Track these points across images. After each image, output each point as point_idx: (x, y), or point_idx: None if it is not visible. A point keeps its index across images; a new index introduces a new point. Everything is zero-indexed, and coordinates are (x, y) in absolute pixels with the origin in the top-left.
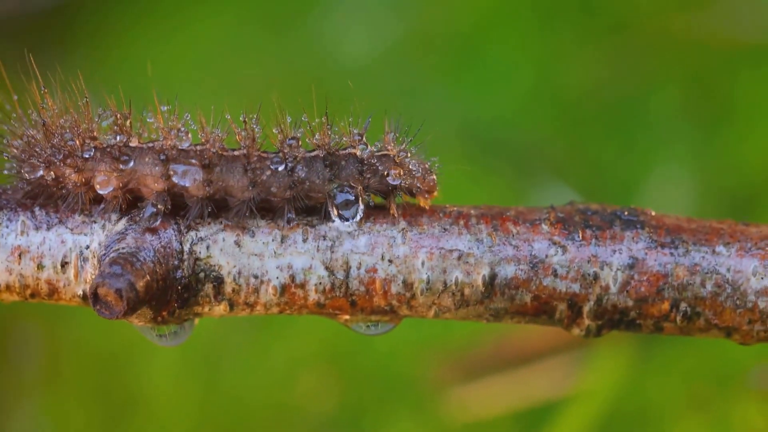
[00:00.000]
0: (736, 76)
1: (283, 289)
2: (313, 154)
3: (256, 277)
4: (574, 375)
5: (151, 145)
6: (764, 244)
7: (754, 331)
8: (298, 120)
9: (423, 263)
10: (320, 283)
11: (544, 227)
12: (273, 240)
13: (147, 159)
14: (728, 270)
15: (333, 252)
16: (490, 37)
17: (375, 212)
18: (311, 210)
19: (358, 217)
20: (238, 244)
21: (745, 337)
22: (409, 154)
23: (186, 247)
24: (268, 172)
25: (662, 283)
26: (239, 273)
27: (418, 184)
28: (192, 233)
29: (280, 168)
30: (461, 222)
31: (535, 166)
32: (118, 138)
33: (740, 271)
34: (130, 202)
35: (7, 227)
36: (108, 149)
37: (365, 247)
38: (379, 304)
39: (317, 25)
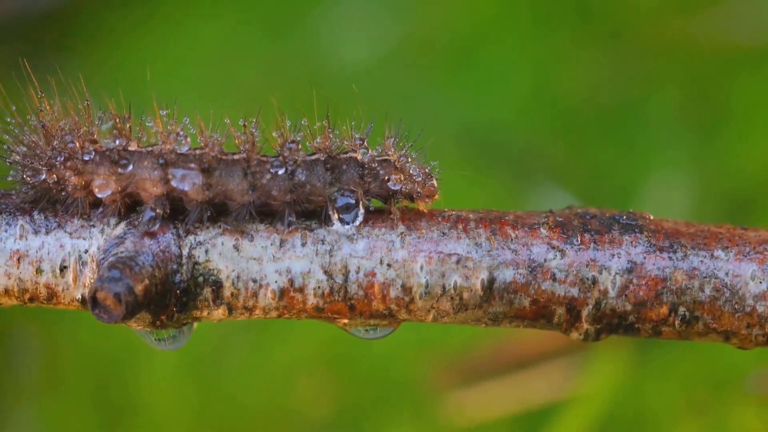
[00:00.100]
0: (734, 79)
1: (282, 293)
2: (314, 157)
3: (254, 281)
4: (573, 379)
5: (150, 149)
6: (762, 249)
7: (752, 336)
8: (298, 123)
9: (422, 267)
10: (319, 288)
11: (543, 231)
12: (272, 244)
13: (146, 163)
14: (727, 274)
15: (332, 256)
16: (488, 41)
17: (374, 216)
18: (310, 214)
19: (358, 221)
20: (236, 248)
21: (743, 342)
22: (409, 159)
23: (185, 251)
24: (269, 176)
25: (661, 287)
26: (238, 277)
27: (419, 189)
28: (191, 237)
29: (281, 171)
30: (460, 226)
31: (534, 170)
32: (117, 142)
33: (739, 276)
34: (129, 207)
35: (6, 231)
36: (107, 153)
37: (364, 252)
38: (378, 309)
39: (315, 29)
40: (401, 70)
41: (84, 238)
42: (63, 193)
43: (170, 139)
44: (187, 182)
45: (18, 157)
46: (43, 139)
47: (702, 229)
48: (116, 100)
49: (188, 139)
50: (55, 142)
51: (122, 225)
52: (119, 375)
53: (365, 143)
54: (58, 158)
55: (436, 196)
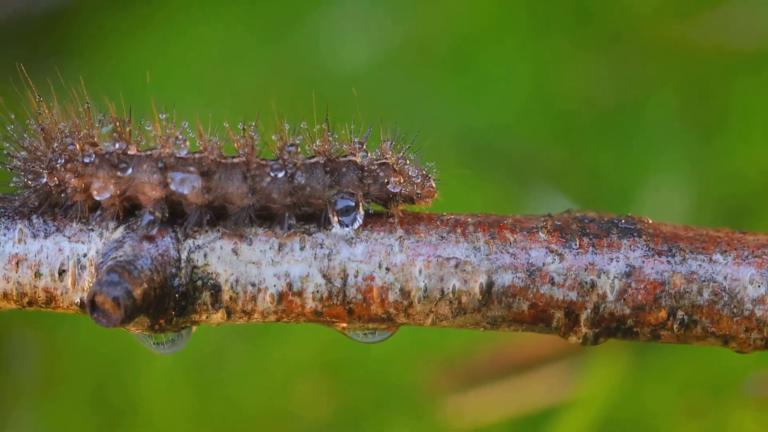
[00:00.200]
0: (732, 83)
1: (281, 297)
2: (313, 160)
3: (253, 285)
4: (571, 383)
5: (149, 152)
6: (761, 252)
7: (751, 339)
8: (297, 127)
9: (420, 271)
10: (317, 291)
11: (542, 235)
12: (270, 248)
13: (145, 167)
14: (725, 278)
15: (330, 260)
16: (487, 44)
17: (372, 220)
18: (309, 218)
19: (357, 224)
20: (235, 252)
21: (742, 345)
22: (407, 161)
23: (183, 255)
24: (268, 179)
25: (659, 291)
26: (237, 281)
27: (418, 191)
28: (189, 241)
29: (280, 174)
30: (458, 230)
31: (532, 174)
32: (117, 145)
33: (737, 280)
34: (128, 210)
35: (5, 235)
36: (107, 156)
37: (362, 255)
38: (377, 312)
39: (314, 32)
40: (400, 73)
41: (83, 242)
42: (63, 195)
43: (169, 142)
44: (187, 186)
45: (19, 163)
46: (43, 142)
47: (700, 233)
48: (116, 103)
49: (187, 143)
50: (55, 145)
51: (121, 229)
52: (118, 378)
53: (364, 146)
54: (59, 160)
55: (436, 195)
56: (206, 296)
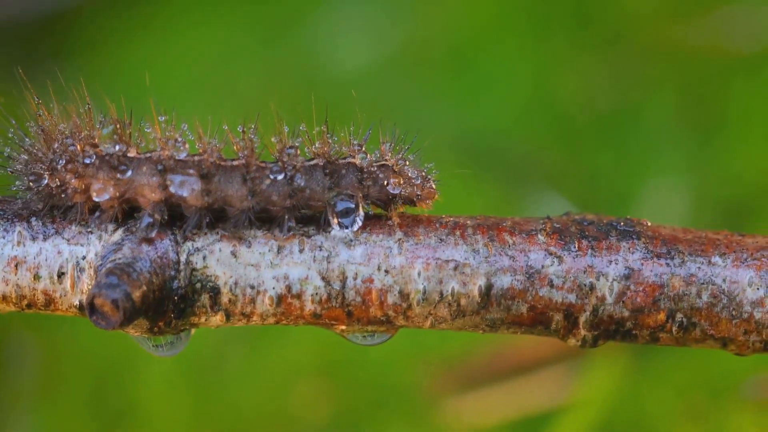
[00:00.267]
0: (731, 85)
1: (280, 299)
2: (312, 162)
3: (252, 287)
4: (570, 385)
5: (148, 155)
6: (760, 255)
7: (749, 342)
8: (296, 129)
9: (419, 274)
10: (316, 294)
11: (540, 238)
12: (269, 250)
13: (144, 169)
14: (724, 281)
15: (329, 262)
16: (486, 46)
17: (371, 223)
18: (308, 220)
19: (357, 225)
20: (234, 254)
21: (740, 348)
22: (407, 163)
23: (182, 258)
24: (268, 181)
25: (658, 293)
26: (236, 283)
27: (418, 192)
28: (188, 244)
29: (280, 177)
30: (457, 232)
31: (531, 176)
32: (117, 147)
33: (736, 282)
34: (127, 213)
35: (4, 238)
36: (107, 157)
37: (361, 258)
38: (376, 315)
39: (314, 34)
40: (399, 75)
41: (82, 245)
42: (63, 196)
43: (169, 145)
44: (186, 188)
45: (20, 166)
46: (44, 143)
47: (699, 235)
48: (116, 104)
49: (186, 146)
50: (56, 145)
51: (120, 231)
52: (117, 380)
53: (363, 148)
54: (60, 161)
55: (436, 197)
56: (205, 299)
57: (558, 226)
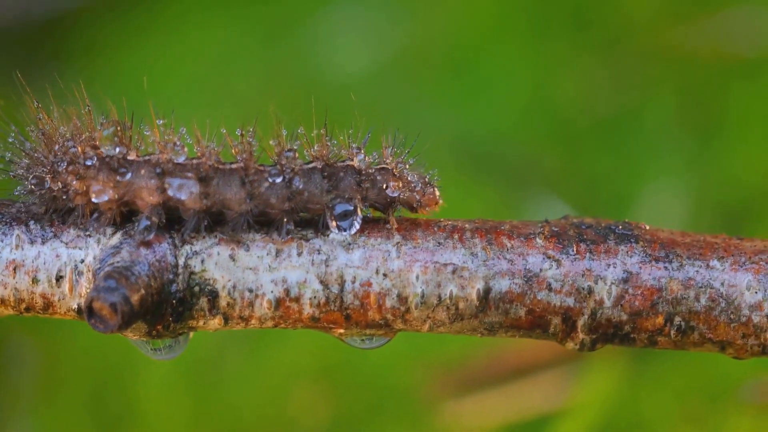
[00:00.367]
0: (730, 89)
1: (278, 303)
2: (311, 165)
3: (250, 290)
4: (568, 388)
5: (147, 158)
6: (758, 259)
7: (748, 346)
8: (295, 132)
9: (417, 277)
10: (315, 297)
11: (539, 241)
12: (268, 254)
13: (143, 172)
14: (722, 284)
15: (328, 266)
16: (485, 50)
17: (369, 226)
18: (306, 224)
19: (355, 228)
20: (232, 257)
21: (739, 352)
22: (407, 166)
23: (181, 261)
24: (266, 184)
25: (656, 297)
26: (234, 287)
27: (418, 197)
28: (187, 247)
29: (278, 180)
30: (456, 236)
31: (530, 180)
32: (117, 149)
33: (734, 286)
34: (125, 216)
35: (2, 241)
36: (107, 160)
37: (360, 261)
38: (374, 318)
39: (313, 38)
40: (398, 78)
41: (80, 248)
42: (65, 198)
43: (167, 148)
44: (184, 191)
45: (21, 170)
46: (45, 146)
47: (698, 239)
48: (117, 106)
49: (185, 149)
50: (57, 148)
51: (118, 235)
52: (116, 383)
53: (362, 151)
54: (61, 164)
55: (440, 202)
56: (203, 302)
57: (556, 229)
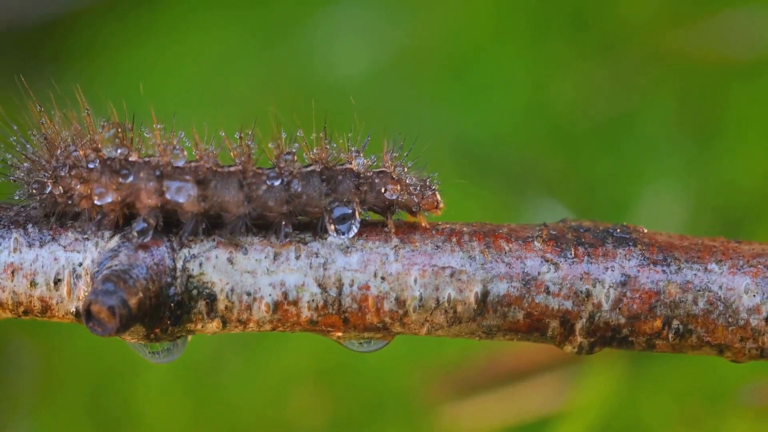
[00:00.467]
0: (728, 92)
1: (276, 306)
2: (309, 168)
3: (248, 294)
4: (566, 391)
5: (147, 160)
6: (756, 262)
7: (746, 349)
8: (294, 135)
9: (415, 280)
10: (313, 301)
11: (537, 244)
12: (266, 257)
13: (142, 174)
14: (720, 287)
15: (326, 269)
16: (484, 53)
17: (368, 230)
18: (304, 227)
19: (353, 232)
20: (230, 261)
21: (737, 355)
22: (406, 169)
23: (179, 264)
24: (265, 187)
25: (654, 300)
26: (232, 290)
27: (416, 200)
28: (185, 250)
29: (277, 183)
30: (454, 239)
31: (528, 183)
32: (119, 151)
33: (732, 289)
34: (128, 219)
35: (0, 245)
36: (109, 162)
37: (358, 264)
38: (372, 322)
39: (312, 41)
40: (397, 81)
41: (78, 251)
42: (69, 203)
43: (167, 151)
44: (182, 194)
45: (22, 174)
46: (46, 151)
47: (696, 242)
48: (117, 108)
49: (184, 152)
50: (58, 152)
51: (116, 238)
52: (115, 385)
53: (361, 154)
54: (63, 168)
55: (441, 206)
56: (201, 305)
57: (554, 232)
